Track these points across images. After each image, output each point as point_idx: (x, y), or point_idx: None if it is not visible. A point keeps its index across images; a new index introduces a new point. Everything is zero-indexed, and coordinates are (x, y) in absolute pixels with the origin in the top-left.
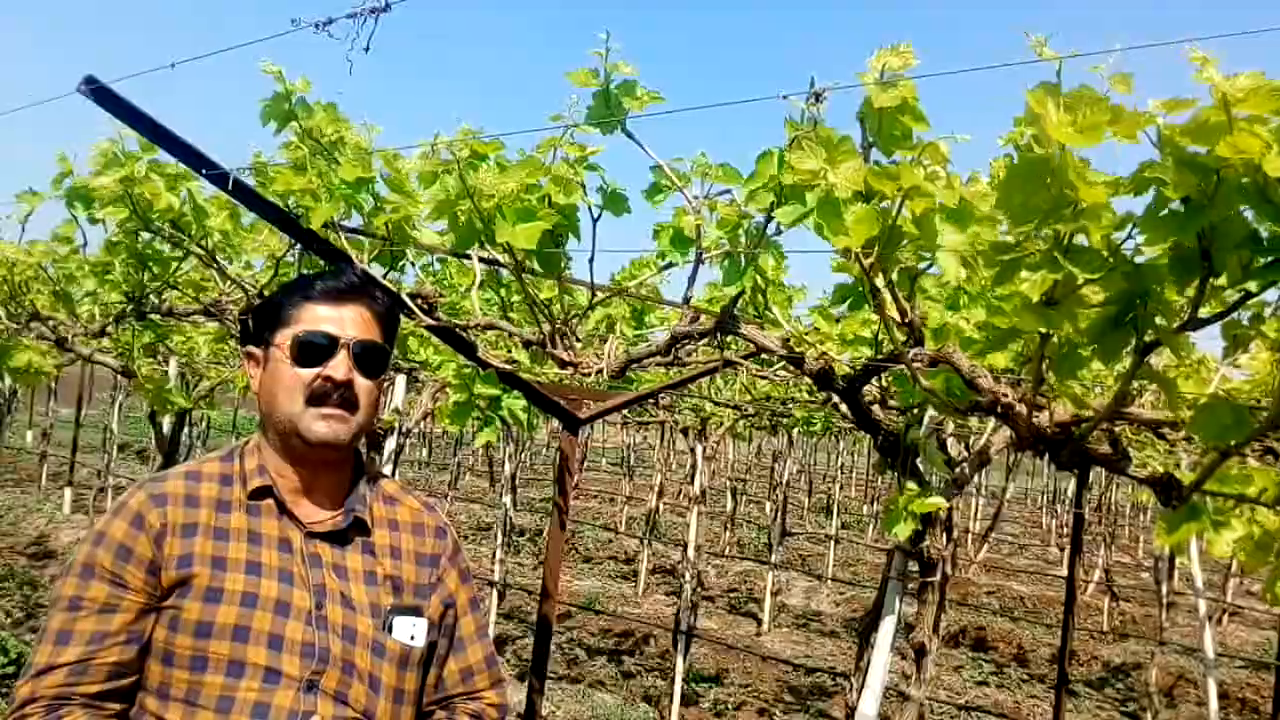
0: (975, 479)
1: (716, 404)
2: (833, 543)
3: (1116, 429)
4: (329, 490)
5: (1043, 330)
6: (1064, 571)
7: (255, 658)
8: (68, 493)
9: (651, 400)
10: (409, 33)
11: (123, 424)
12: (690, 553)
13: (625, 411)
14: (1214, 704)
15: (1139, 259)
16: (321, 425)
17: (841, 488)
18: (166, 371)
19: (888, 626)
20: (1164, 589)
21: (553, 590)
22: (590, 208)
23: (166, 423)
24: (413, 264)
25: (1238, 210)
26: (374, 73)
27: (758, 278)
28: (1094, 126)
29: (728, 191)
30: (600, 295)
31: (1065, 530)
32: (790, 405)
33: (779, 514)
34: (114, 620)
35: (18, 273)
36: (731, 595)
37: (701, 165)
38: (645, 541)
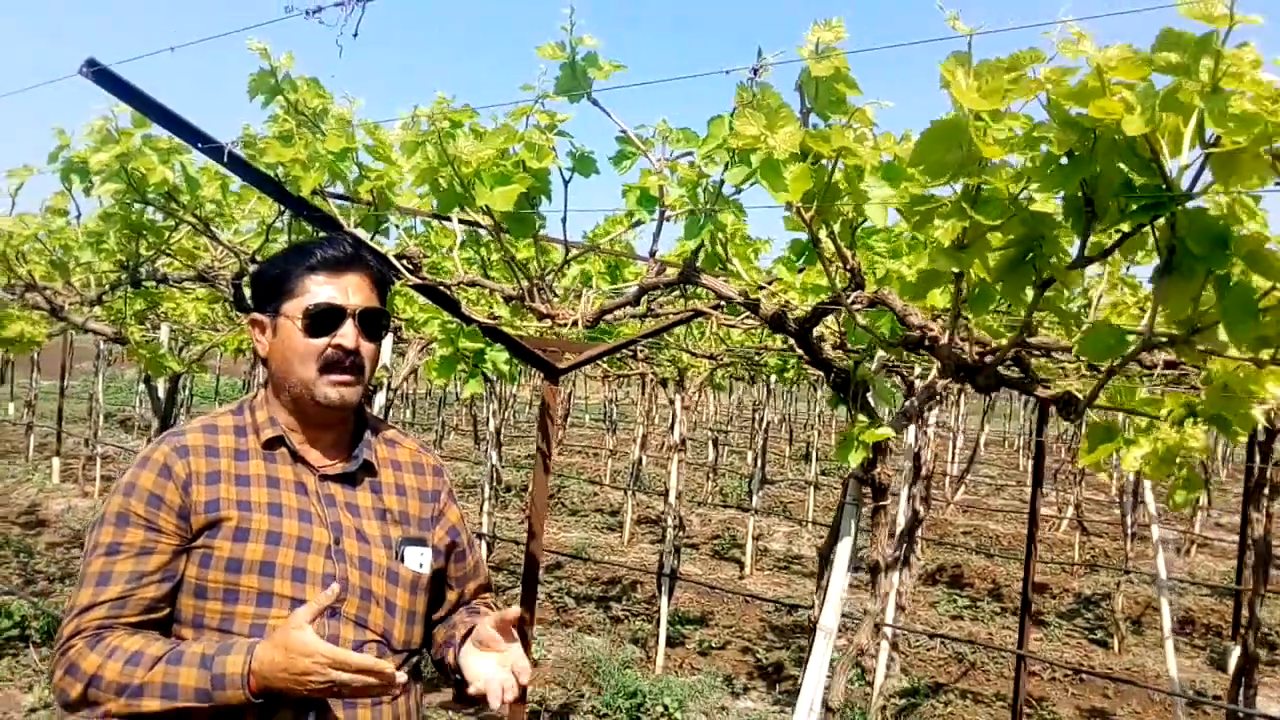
0: (953, 422)
1: (693, 354)
2: (812, 488)
3: (1053, 359)
4: (335, 439)
5: (956, 270)
6: (1040, 509)
7: (282, 589)
8: (56, 462)
9: (630, 353)
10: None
11: (106, 393)
12: (672, 499)
13: (606, 366)
14: (1167, 624)
15: (1035, 208)
16: (334, 391)
17: (820, 435)
18: (158, 337)
19: (844, 547)
20: (1129, 521)
21: (539, 530)
22: (561, 170)
23: (161, 386)
24: (396, 226)
25: (1115, 163)
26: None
27: (717, 233)
28: (996, 91)
29: (689, 154)
30: (574, 252)
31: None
32: (763, 353)
33: (759, 461)
34: (151, 561)
35: (14, 244)
36: (715, 542)
37: (664, 130)
38: (629, 492)
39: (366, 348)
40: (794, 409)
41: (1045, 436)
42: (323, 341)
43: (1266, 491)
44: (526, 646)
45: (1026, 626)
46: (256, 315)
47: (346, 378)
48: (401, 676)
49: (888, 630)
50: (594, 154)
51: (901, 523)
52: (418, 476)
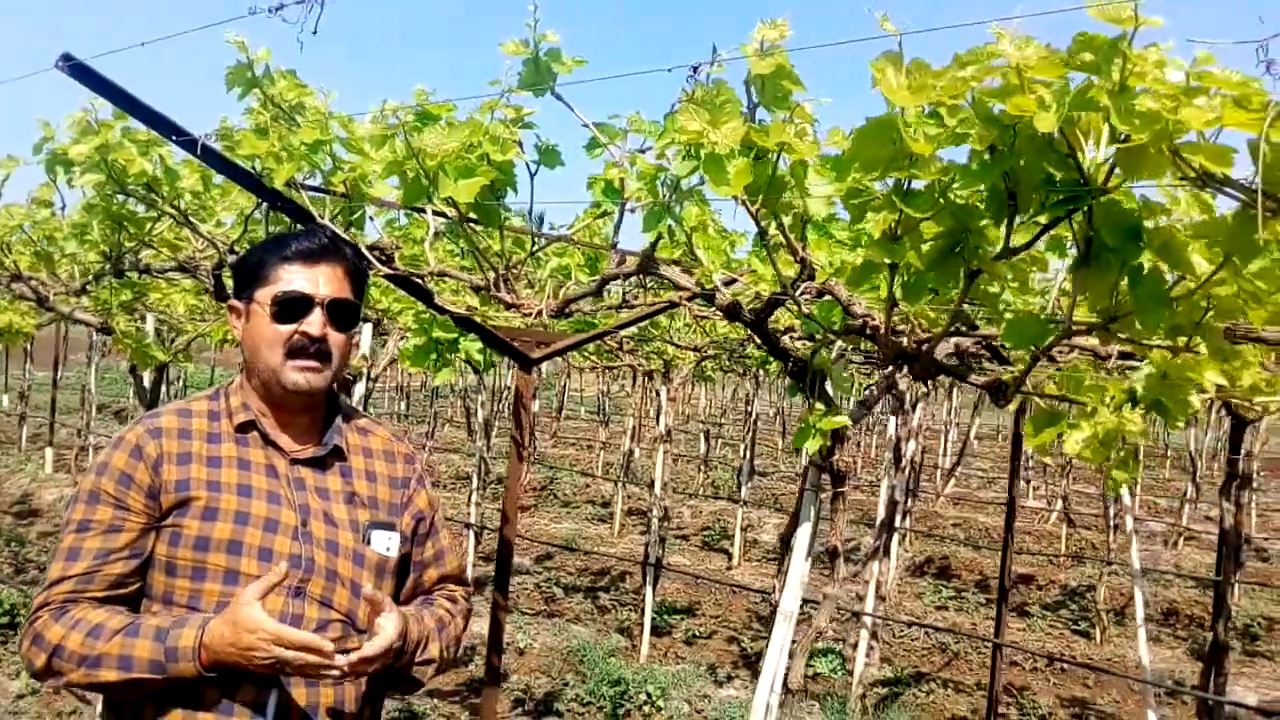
0: (945, 415)
1: (677, 346)
2: None
3: (1000, 350)
4: (307, 425)
5: (889, 260)
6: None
7: (248, 568)
8: (48, 452)
9: (617, 345)
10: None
11: (100, 384)
12: (657, 489)
13: (596, 359)
14: (1140, 614)
15: (964, 201)
16: (299, 376)
17: None
18: (144, 327)
19: (804, 532)
20: (1111, 513)
21: (512, 515)
22: (527, 163)
23: (147, 377)
24: (372, 219)
25: (1035, 158)
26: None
27: (678, 224)
28: (923, 88)
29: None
30: (541, 243)
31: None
32: (747, 345)
33: (748, 453)
34: (119, 538)
35: (0, 235)
36: (705, 533)
37: (635, 122)
38: (620, 484)
39: (335, 337)
40: (788, 402)
41: (1020, 427)
42: (290, 328)
43: (1237, 482)
44: (499, 629)
45: (1003, 616)
46: (233, 301)
47: (312, 364)
48: (341, 659)
49: (867, 619)
50: (559, 147)
51: (882, 513)
52: (388, 464)
